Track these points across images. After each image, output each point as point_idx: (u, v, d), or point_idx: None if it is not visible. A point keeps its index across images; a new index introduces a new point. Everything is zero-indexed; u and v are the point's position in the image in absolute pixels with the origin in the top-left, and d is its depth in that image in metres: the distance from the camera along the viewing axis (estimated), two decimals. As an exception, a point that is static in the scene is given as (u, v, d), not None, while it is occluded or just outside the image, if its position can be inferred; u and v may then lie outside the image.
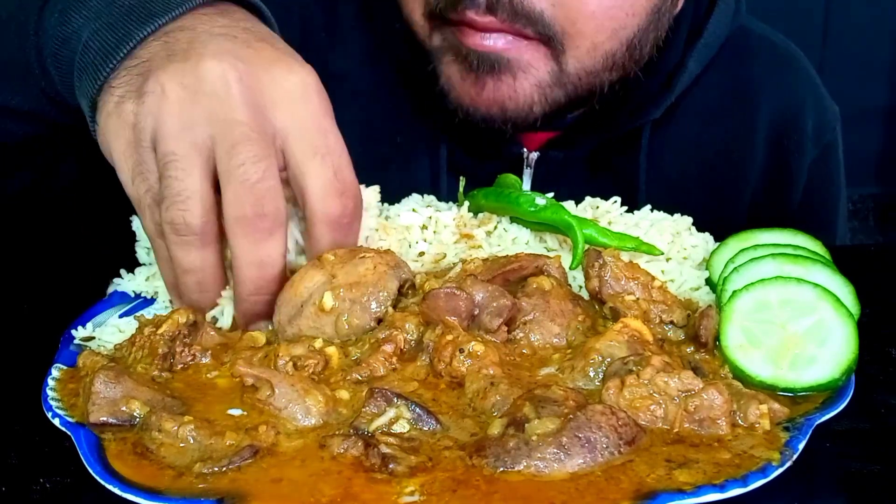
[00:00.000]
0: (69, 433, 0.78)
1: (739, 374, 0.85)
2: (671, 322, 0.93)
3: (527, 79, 1.20)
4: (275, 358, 0.85)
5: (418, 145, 1.38)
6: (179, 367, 0.88)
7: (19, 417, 0.85)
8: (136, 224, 1.07)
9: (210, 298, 0.93)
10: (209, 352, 0.90)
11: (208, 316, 0.96)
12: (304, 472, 0.72)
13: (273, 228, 0.86)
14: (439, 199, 1.18)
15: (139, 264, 1.09)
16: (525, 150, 1.37)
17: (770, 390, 0.84)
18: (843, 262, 0.99)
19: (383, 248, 1.00)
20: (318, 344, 0.88)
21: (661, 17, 1.26)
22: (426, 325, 0.88)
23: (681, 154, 1.41)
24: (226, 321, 0.96)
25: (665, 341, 0.91)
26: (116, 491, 0.71)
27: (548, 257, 0.98)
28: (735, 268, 0.96)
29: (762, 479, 0.70)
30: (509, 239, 1.07)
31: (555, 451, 0.71)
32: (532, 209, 1.05)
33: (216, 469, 0.72)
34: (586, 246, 1.00)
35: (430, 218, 1.08)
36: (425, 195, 1.19)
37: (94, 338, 0.97)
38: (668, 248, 1.07)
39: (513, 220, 1.09)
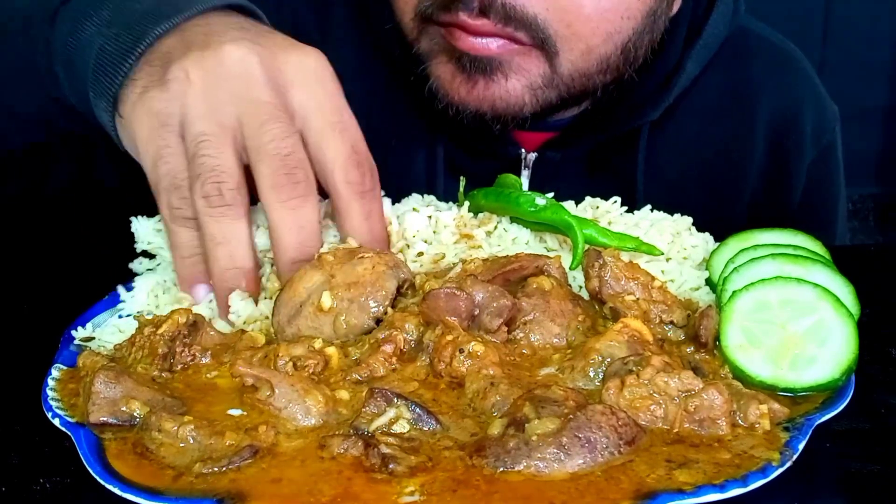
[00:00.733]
0: (69, 433, 0.78)
1: (739, 374, 0.85)
2: (671, 322, 0.93)
3: (518, 80, 1.20)
4: (275, 358, 0.85)
5: (414, 147, 1.38)
6: (179, 367, 0.88)
7: (19, 417, 0.85)
8: (134, 225, 1.07)
9: (237, 276, 0.93)
10: (209, 352, 0.90)
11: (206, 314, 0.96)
12: (303, 472, 0.72)
13: (307, 194, 0.90)
14: (435, 197, 1.18)
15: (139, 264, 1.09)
16: (523, 151, 1.37)
17: (770, 390, 0.84)
18: (843, 262, 0.99)
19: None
20: (318, 344, 0.88)
21: (657, 20, 1.25)
22: (426, 325, 0.89)
23: (680, 154, 1.41)
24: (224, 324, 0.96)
25: (665, 341, 0.91)
26: (116, 491, 0.71)
27: (548, 257, 0.98)
28: (735, 268, 0.96)
29: (762, 479, 0.70)
30: (509, 239, 1.07)
31: (555, 451, 0.71)
32: (532, 209, 1.05)
33: (216, 469, 0.72)
34: (586, 246, 1.00)
35: (430, 218, 1.07)
36: (425, 195, 1.19)
37: (94, 338, 0.97)
38: (668, 248, 1.07)
39: (513, 220, 1.09)
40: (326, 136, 0.92)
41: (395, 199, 1.14)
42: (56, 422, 0.80)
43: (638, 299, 0.94)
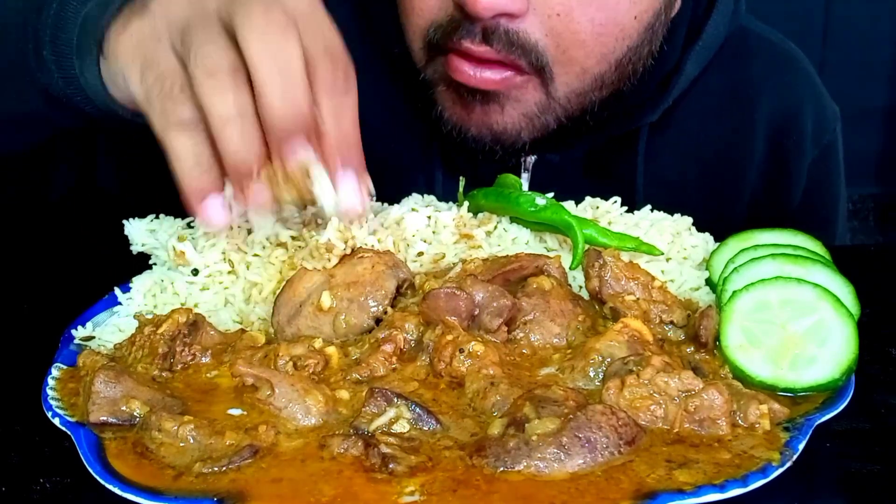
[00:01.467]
0: (69, 433, 0.78)
1: (739, 374, 0.85)
2: (671, 322, 0.93)
3: (514, 108, 1.22)
4: (275, 358, 0.85)
5: (413, 148, 1.38)
6: (179, 366, 0.88)
7: (19, 417, 0.85)
8: (127, 228, 1.07)
9: (251, 160, 0.86)
10: (209, 351, 0.90)
11: (208, 316, 0.96)
12: (304, 472, 0.72)
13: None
14: (435, 197, 1.18)
15: (137, 265, 1.09)
16: (522, 153, 1.37)
17: (770, 390, 0.84)
18: (843, 262, 0.99)
19: (382, 249, 1.00)
20: (318, 344, 0.88)
21: (655, 32, 1.26)
22: (426, 325, 0.89)
23: (679, 156, 1.41)
24: (226, 323, 0.96)
25: (665, 341, 0.91)
26: (116, 491, 0.71)
27: (548, 257, 0.98)
28: (735, 268, 0.96)
29: (762, 479, 0.70)
30: (509, 239, 1.07)
31: (555, 451, 0.71)
32: (532, 209, 1.05)
33: (216, 469, 0.72)
34: (586, 246, 1.00)
35: (430, 218, 1.07)
36: (425, 195, 1.19)
37: (94, 337, 0.97)
38: (668, 248, 1.07)
39: (513, 220, 1.09)
40: (304, 32, 0.87)
41: (394, 200, 1.14)
42: (56, 421, 0.80)
43: (638, 299, 0.94)
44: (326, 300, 0.92)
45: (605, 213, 1.12)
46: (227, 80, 0.84)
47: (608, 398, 0.78)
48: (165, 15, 0.89)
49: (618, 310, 0.92)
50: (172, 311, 0.91)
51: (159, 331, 0.89)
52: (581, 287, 0.99)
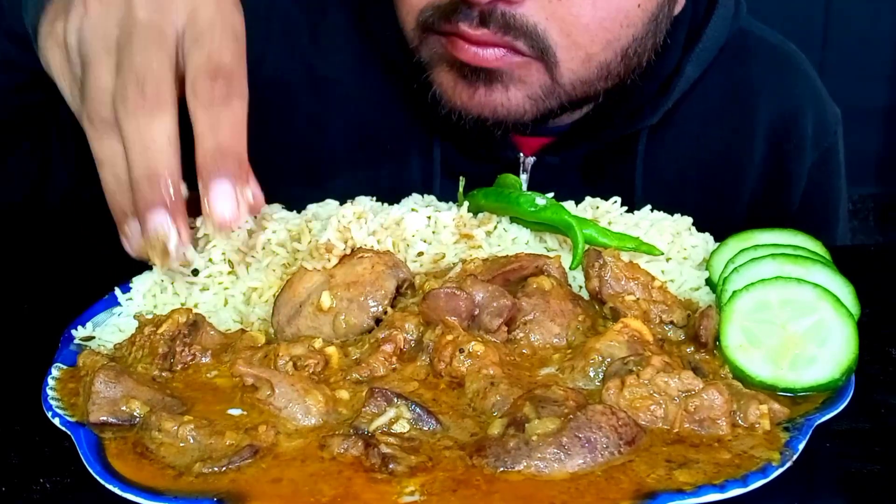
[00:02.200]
0: (69, 433, 0.78)
1: (739, 374, 0.85)
2: (671, 322, 0.93)
3: (518, 90, 1.21)
4: (275, 358, 0.85)
5: (411, 149, 1.38)
6: (179, 366, 0.88)
7: (19, 417, 0.85)
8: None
9: (123, 199, 0.88)
10: (209, 351, 0.90)
11: (208, 316, 0.96)
12: (304, 472, 0.72)
13: (155, 108, 0.86)
14: (435, 197, 1.18)
15: (137, 265, 1.09)
16: (521, 154, 1.37)
17: (770, 390, 0.84)
18: (843, 262, 0.99)
19: (382, 249, 1.00)
20: (318, 344, 0.88)
21: (659, 24, 1.25)
22: (426, 325, 0.89)
23: (679, 158, 1.41)
24: (228, 322, 0.96)
25: (665, 341, 0.91)
26: (116, 491, 0.71)
27: (548, 257, 0.98)
28: (735, 268, 0.96)
29: (762, 479, 0.70)
30: (509, 239, 1.07)
31: (555, 451, 0.71)
32: (532, 209, 1.05)
33: (216, 469, 0.72)
34: (586, 246, 1.00)
35: (430, 218, 1.07)
36: (425, 195, 1.19)
37: (94, 337, 0.97)
38: (668, 248, 1.07)
39: (513, 220, 1.09)
40: (188, 51, 0.88)
41: (391, 202, 1.14)
42: (56, 421, 0.80)
43: (638, 299, 0.94)
44: (326, 300, 0.92)
45: (605, 213, 1.12)
46: (101, 131, 0.87)
47: (608, 398, 0.78)
48: (79, 33, 0.89)
49: (618, 310, 0.92)
50: (172, 311, 0.91)
51: (159, 331, 0.89)
52: (581, 287, 0.99)
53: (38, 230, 1.42)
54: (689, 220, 1.13)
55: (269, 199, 1.25)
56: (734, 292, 0.90)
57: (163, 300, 1.01)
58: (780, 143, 1.44)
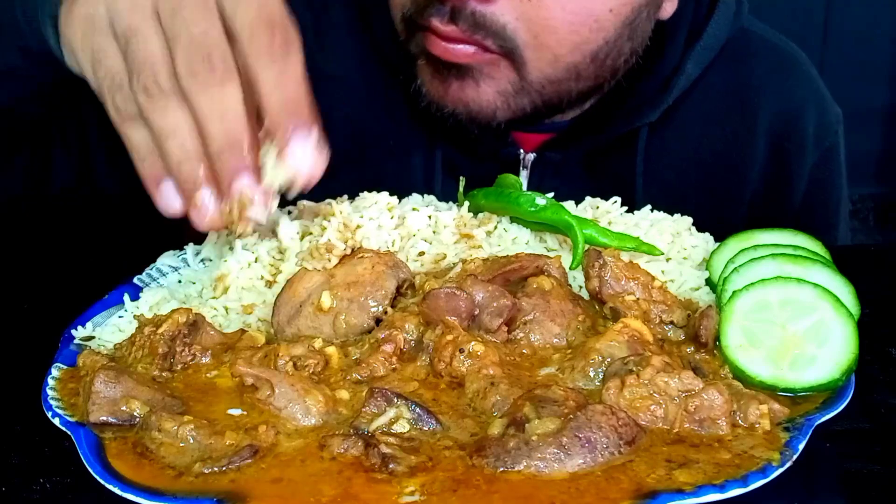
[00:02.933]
0: (69, 433, 0.78)
1: (739, 374, 0.85)
2: (671, 322, 0.93)
3: (489, 86, 1.23)
4: (275, 358, 0.85)
5: (412, 147, 1.39)
6: (179, 366, 0.88)
7: (19, 417, 0.85)
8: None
9: (193, 169, 0.87)
10: (209, 351, 0.90)
11: (209, 317, 0.96)
12: (304, 472, 0.72)
13: (224, 78, 0.85)
14: (435, 197, 1.18)
15: (137, 265, 1.09)
16: (521, 151, 1.37)
17: (770, 390, 0.84)
18: (843, 262, 0.99)
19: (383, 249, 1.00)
20: (318, 344, 0.88)
21: (636, 29, 1.26)
22: (426, 325, 0.89)
23: (679, 157, 1.41)
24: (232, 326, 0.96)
25: (665, 341, 0.91)
26: (116, 491, 0.71)
27: (548, 257, 0.98)
28: (735, 268, 0.96)
29: (762, 479, 0.70)
30: (509, 239, 1.07)
31: (555, 451, 0.71)
32: (532, 209, 1.05)
33: (216, 469, 0.72)
34: (586, 246, 1.00)
35: (430, 217, 1.08)
36: (425, 195, 1.19)
37: (94, 337, 0.97)
38: (668, 248, 1.07)
39: (513, 220, 1.09)
40: (233, 11, 0.87)
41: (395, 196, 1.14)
42: (56, 421, 0.80)
43: (638, 299, 0.94)
44: (326, 300, 0.92)
45: (605, 213, 1.12)
46: (164, 100, 0.85)
47: (608, 398, 0.78)
48: (107, 4, 0.88)
49: (618, 310, 0.92)
50: (172, 311, 0.91)
51: (159, 331, 0.88)
52: (581, 287, 0.99)
53: (39, 230, 1.42)
54: (689, 220, 1.13)
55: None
56: (734, 292, 0.90)
57: (167, 308, 1.01)
58: (782, 142, 1.44)
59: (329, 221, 1.02)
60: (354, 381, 0.84)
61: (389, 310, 0.93)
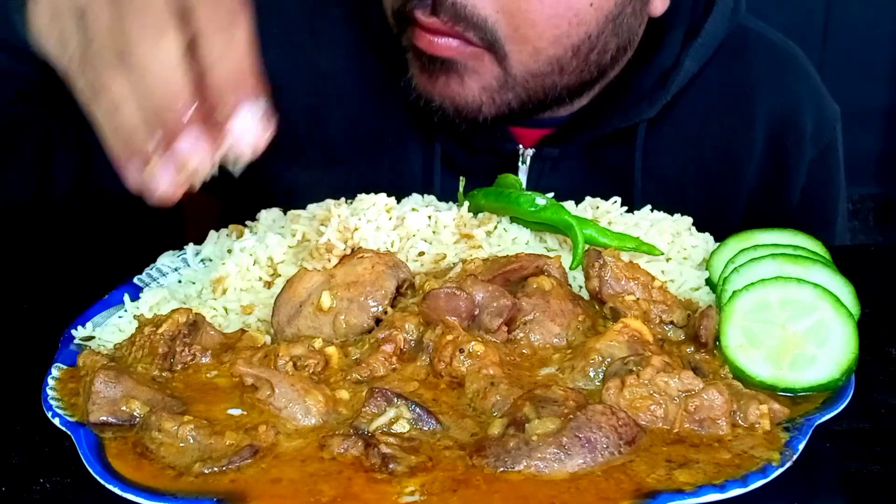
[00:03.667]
0: (69, 433, 0.78)
1: (739, 374, 0.85)
2: (671, 322, 0.93)
3: (473, 81, 1.24)
4: (275, 358, 0.85)
5: (411, 143, 1.39)
6: (179, 366, 0.88)
7: (19, 417, 0.85)
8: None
9: (143, 140, 0.84)
10: (209, 351, 0.90)
11: (208, 317, 0.96)
12: (303, 472, 0.72)
13: (158, 34, 0.83)
14: (435, 197, 1.18)
15: (137, 266, 1.09)
16: (520, 146, 1.37)
17: (770, 390, 0.84)
18: (843, 262, 0.99)
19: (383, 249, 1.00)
20: (318, 344, 0.88)
21: (621, 25, 1.27)
22: (426, 325, 0.88)
23: (678, 152, 1.41)
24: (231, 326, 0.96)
25: (665, 341, 0.91)
26: (116, 491, 0.71)
27: (548, 257, 0.98)
28: (735, 268, 0.96)
29: (762, 479, 0.70)
30: (509, 239, 1.07)
31: (555, 450, 0.71)
32: (532, 209, 1.05)
33: (216, 469, 0.72)
34: (586, 246, 1.00)
35: (430, 217, 1.08)
36: (425, 195, 1.19)
37: (94, 337, 0.97)
38: (668, 248, 1.07)
39: (513, 220, 1.09)
40: None
41: (392, 195, 1.14)
42: (56, 421, 0.80)
43: (638, 299, 0.94)
44: (326, 300, 0.92)
45: (605, 213, 1.12)
46: (109, 72, 0.83)
47: (608, 398, 0.78)
48: None
49: (618, 310, 0.92)
50: (172, 311, 0.91)
51: (159, 331, 0.88)
52: (581, 287, 0.99)
53: (39, 230, 1.42)
54: (689, 220, 1.13)
55: (267, 194, 1.26)
56: (734, 292, 0.90)
57: (167, 309, 1.01)
58: (780, 139, 1.44)
59: (325, 227, 1.01)
60: (354, 381, 0.84)
61: (389, 310, 0.93)
